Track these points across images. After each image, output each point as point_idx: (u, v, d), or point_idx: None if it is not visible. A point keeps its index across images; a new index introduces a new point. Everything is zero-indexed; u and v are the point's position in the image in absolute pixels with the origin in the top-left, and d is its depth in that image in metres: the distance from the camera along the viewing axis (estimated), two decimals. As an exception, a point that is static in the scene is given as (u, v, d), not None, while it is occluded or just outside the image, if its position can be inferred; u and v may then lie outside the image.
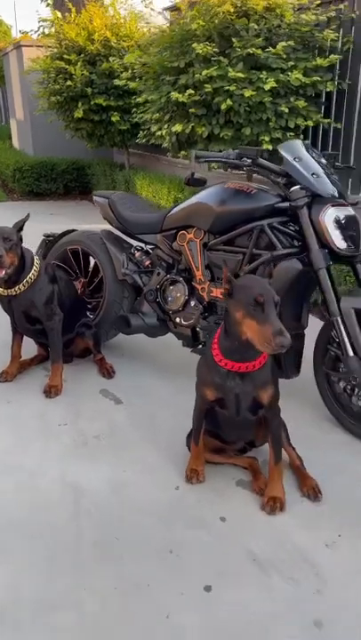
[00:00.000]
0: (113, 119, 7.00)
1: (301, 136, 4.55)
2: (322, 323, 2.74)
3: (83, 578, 1.85)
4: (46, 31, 8.30)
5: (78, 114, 6.99)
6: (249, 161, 2.61)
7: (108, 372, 3.18)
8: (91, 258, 3.52)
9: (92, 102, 6.97)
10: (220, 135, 4.32)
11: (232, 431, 2.26)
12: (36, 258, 2.91)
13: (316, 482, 2.27)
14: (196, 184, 2.74)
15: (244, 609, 1.74)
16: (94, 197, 3.43)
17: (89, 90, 6.90)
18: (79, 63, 6.86)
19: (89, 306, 3.53)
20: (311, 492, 2.23)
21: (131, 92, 6.83)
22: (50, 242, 3.63)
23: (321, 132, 4.84)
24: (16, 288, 2.83)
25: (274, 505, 2.14)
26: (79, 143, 8.66)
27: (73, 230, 3.61)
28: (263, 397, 2.07)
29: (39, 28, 8.53)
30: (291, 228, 2.67)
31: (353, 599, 1.78)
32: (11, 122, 11.62)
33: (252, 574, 1.87)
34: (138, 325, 3.17)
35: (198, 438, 2.28)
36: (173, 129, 4.42)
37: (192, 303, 2.97)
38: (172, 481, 2.33)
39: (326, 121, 4.53)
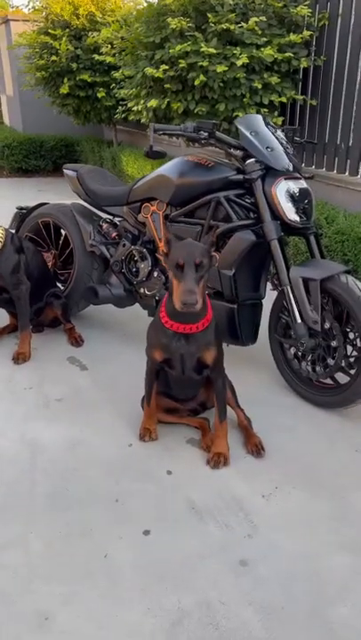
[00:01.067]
0: (99, 95, 7.02)
1: (276, 112, 4.60)
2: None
3: (31, 524, 1.99)
4: (36, 5, 8.28)
5: (64, 89, 7.02)
6: (206, 134, 2.70)
7: (76, 341, 3.30)
8: (62, 230, 3.61)
9: (77, 78, 6.99)
10: (196, 111, 4.38)
11: (181, 390, 2.38)
12: (0, 229, 3.00)
13: (261, 440, 2.40)
14: (156, 156, 2.82)
15: (178, 550, 1.88)
16: (64, 171, 3.51)
17: (74, 65, 6.91)
18: (64, 38, 6.86)
19: (61, 277, 3.64)
20: (255, 448, 2.37)
21: (116, 68, 6.85)
22: (23, 215, 3.72)
23: (298, 108, 4.90)
24: None
25: (218, 460, 2.28)
26: (68, 120, 8.68)
27: (45, 203, 3.70)
28: (207, 358, 2.19)
29: (29, 1, 8.50)
30: (246, 200, 2.76)
31: (279, 543, 1.92)
32: (0, 98, 11.60)
33: (190, 521, 2.01)
34: (105, 296, 3.28)
35: (150, 399, 2.40)
36: (149, 104, 4.48)
37: (155, 274, 3.07)
38: (126, 439, 2.46)
39: (301, 97, 4.58)
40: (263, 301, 2.89)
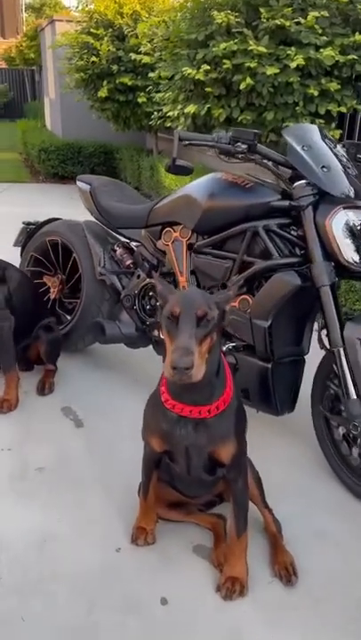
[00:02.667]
0: (139, 100, 6.53)
1: (334, 124, 3.98)
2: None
3: None
4: (83, 5, 7.90)
5: (102, 93, 6.56)
6: (244, 147, 2.12)
7: (43, 387, 2.74)
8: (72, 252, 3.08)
9: (117, 81, 6.52)
10: (240, 119, 3.80)
11: (187, 488, 1.79)
12: None
13: (293, 559, 1.79)
14: (180, 172, 2.26)
15: None
16: (77, 183, 2.99)
17: (115, 67, 6.45)
18: (106, 38, 6.41)
19: (68, 306, 3.10)
20: (284, 572, 1.75)
21: (155, 70, 6.36)
22: (30, 230, 3.22)
23: (360, 121, 4.25)
24: None
25: (232, 588, 1.67)
26: (109, 126, 8.23)
27: (57, 219, 3.18)
28: (222, 454, 1.59)
29: (78, 3, 8.13)
30: (292, 232, 2.16)
31: None
32: (45, 101, 11.30)
33: None
34: (113, 334, 2.73)
35: (147, 492, 1.82)
36: (187, 110, 3.93)
37: (172, 315, 2.49)
38: (114, 539, 1.88)
39: (364, 108, 3.94)
40: (306, 357, 2.28)
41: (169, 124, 4.71)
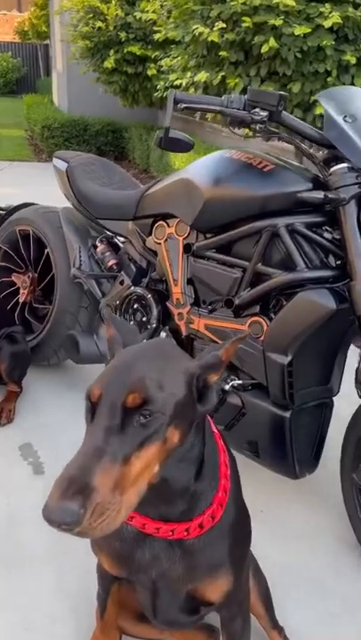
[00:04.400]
0: (149, 72, 5.91)
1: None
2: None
3: None
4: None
5: (109, 64, 5.94)
6: (264, 114, 1.53)
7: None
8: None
9: (125, 50, 5.89)
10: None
11: (159, 620, 1.21)
12: None
13: None
14: (173, 147, 1.67)
15: None
16: (53, 159, 2.40)
17: (123, 35, 5.81)
18: (113, 1, 5.77)
19: (38, 314, 2.54)
20: None
21: (176, 41, 5.72)
22: (1, 217, 2.65)
23: None
24: None
25: None
26: (118, 101, 7.61)
27: (30, 204, 2.61)
28: (208, 592, 1.01)
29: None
30: (326, 235, 1.57)
31: None
32: (52, 74, 10.66)
33: None
34: (89, 353, 2.17)
35: (104, 607, 1.26)
36: (197, 78, 3.31)
37: (163, 334, 1.92)
38: (59, 663, 1.34)
39: None
40: (334, 397, 1.72)
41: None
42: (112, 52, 5.92)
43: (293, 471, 1.67)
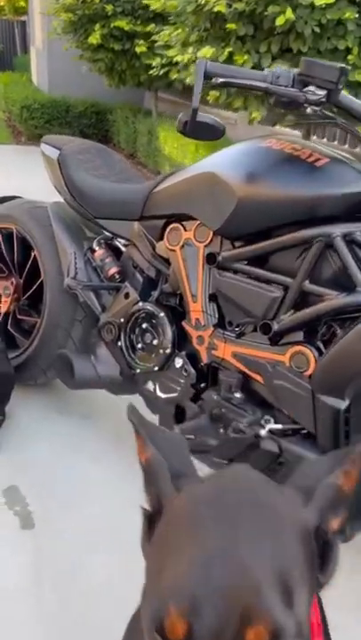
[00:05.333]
0: (138, 50, 5.49)
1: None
2: None
3: None
4: None
5: (94, 39, 5.51)
6: (321, 93, 1.19)
7: None
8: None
9: (112, 25, 5.46)
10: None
11: None
12: None
13: None
14: (202, 134, 1.34)
15: None
16: (42, 145, 2.03)
17: (109, 8, 5.38)
18: (99, -30, 5.33)
19: (23, 326, 2.19)
20: None
21: (167, 15, 5.31)
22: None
23: None
24: None
25: None
26: (103, 81, 7.16)
27: (13, 197, 2.24)
28: None
29: None
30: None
31: None
32: (31, 51, 10.10)
33: None
34: (86, 377, 1.83)
35: None
36: (200, 54, 2.94)
37: (178, 362, 1.59)
38: None
39: None
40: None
41: (175, 76, 3.71)
42: (98, 26, 5.48)
43: (345, 535, 1.37)
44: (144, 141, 6.37)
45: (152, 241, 1.70)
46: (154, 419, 1.78)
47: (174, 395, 1.59)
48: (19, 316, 2.15)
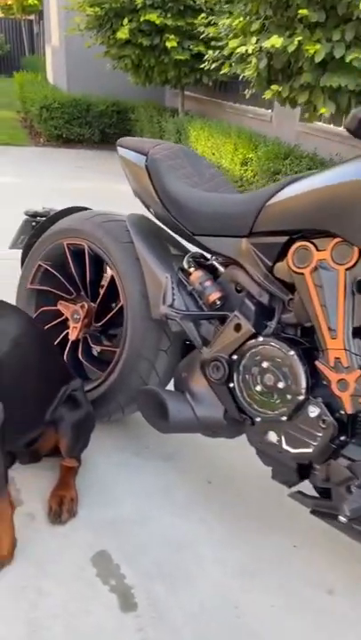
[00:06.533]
0: (168, 45, 5.22)
1: None
2: None
3: None
4: None
5: (123, 34, 5.23)
6: None
7: (57, 508, 1.57)
8: (106, 266, 1.89)
9: (141, 19, 5.18)
10: (349, 60, 2.55)
11: None
12: None
13: None
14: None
15: None
16: (120, 150, 1.76)
17: (139, 0, 5.10)
18: None
19: (98, 355, 1.92)
20: None
21: (196, 9, 5.04)
22: (38, 226, 2.01)
23: None
24: None
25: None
26: (123, 78, 6.90)
27: (82, 208, 1.98)
28: None
29: None
30: None
31: None
32: (46, 49, 9.83)
33: None
34: (183, 420, 1.56)
35: None
36: (267, 44, 2.66)
37: (313, 410, 1.31)
38: None
39: None
40: None
41: (227, 69, 3.41)
42: (126, 20, 5.20)
43: None
44: (172, 141, 6.10)
45: (266, 261, 1.43)
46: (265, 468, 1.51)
47: (307, 450, 1.31)
48: (91, 344, 1.88)
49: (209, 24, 4.82)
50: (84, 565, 1.45)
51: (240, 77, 3.30)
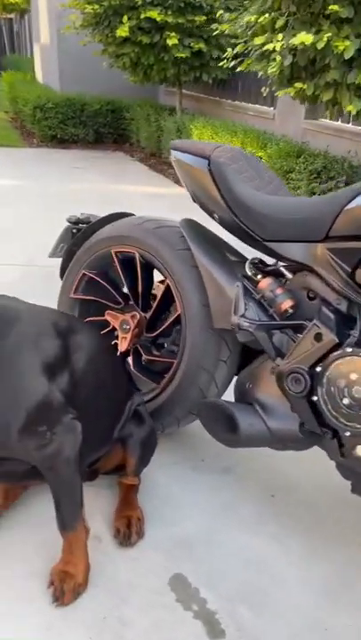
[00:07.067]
0: (169, 42, 5.14)
1: None
2: None
3: None
4: None
5: (122, 32, 5.13)
6: None
7: (126, 530, 1.50)
8: (157, 272, 1.81)
9: (142, 16, 5.09)
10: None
11: None
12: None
13: None
14: None
15: None
16: (175, 153, 1.69)
17: (140, -2, 5.02)
18: None
19: (149, 367, 1.85)
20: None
21: (197, 5, 4.98)
22: (80, 234, 1.93)
23: None
24: None
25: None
26: (117, 77, 6.80)
27: (126, 214, 1.91)
28: None
29: None
30: None
31: None
32: (34, 48, 9.66)
33: None
34: (253, 433, 1.50)
35: None
36: (295, 41, 2.60)
37: None
38: None
39: None
40: None
41: (245, 66, 3.34)
42: (125, 18, 5.11)
43: None
44: (173, 139, 6.02)
45: (345, 267, 1.37)
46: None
47: None
48: (144, 355, 1.81)
49: (212, 20, 4.76)
50: (162, 590, 1.39)
51: (259, 75, 3.24)
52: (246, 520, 1.62)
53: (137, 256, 1.76)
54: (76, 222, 1.95)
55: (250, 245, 1.54)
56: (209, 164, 1.55)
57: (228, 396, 1.69)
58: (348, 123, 4.44)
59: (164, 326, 1.75)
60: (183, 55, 5.30)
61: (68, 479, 1.26)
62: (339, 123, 4.57)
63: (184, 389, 1.68)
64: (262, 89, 3.39)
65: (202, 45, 5.36)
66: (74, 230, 1.96)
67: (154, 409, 1.74)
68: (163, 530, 1.56)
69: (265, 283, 1.51)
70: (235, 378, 1.69)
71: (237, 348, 1.68)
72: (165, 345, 1.88)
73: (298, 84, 2.84)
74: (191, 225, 1.70)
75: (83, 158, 6.77)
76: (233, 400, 1.61)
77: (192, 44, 5.26)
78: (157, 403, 1.73)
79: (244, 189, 1.50)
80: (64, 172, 5.95)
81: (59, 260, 2.01)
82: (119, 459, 1.55)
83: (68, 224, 1.97)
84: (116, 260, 1.81)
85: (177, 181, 5.85)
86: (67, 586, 1.32)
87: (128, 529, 1.50)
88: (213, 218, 1.59)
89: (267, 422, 1.51)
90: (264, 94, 3.39)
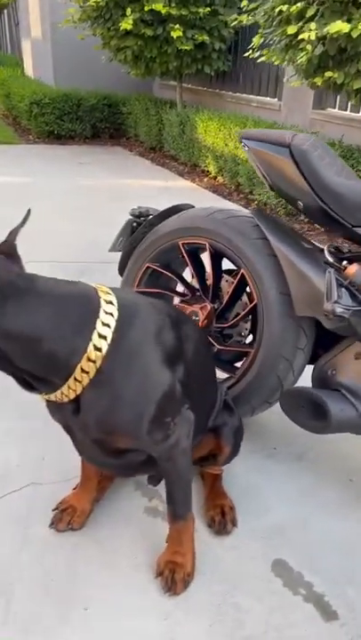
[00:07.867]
0: (173, 34, 5.12)
1: None
2: None
3: None
4: None
5: (126, 24, 5.09)
6: None
7: (220, 519, 1.51)
8: (231, 263, 1.81)
9: (145, 8, 5.06)
10: None
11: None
12: (105, 302, 1.14)
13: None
14: None
15: None
16: (249, 142, 1.68)
17: (142, -10, 4.99)
18: None
19: (222, 358, 1.85)
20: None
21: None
22: (140, 228, 1.92)
23: None
24: (64, 390, 1.11)
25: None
26: (115, 71, 6.76)
27: (187, 206, 1.90)
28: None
29: None
30: None
31: None
32: (23, 43, 9.53)
33: None
34: (344, 419, 1.52)
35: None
36: (330, 29, 2.61)
37: None
38: None
39: None
40: None
41: (273, 59, 3.33)
42: (129, 10, 5.07)
43: None
44: (174, 133, 6.00)
45: None
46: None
47: None
48: (217, 345, 1.81)
49: (215, 12, 4.72)
50: (268, 576, 1.40)
51: (282, 65, 3.24)
52: (331, 506, 1.64)
53: (208, 247, 1.76)
54: (138, 215, 1.94)
55: (334, 232, 1.55)
56: (291, 152, 1.55)
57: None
58: (359, 112, 4.47)
59: (239, 316, 1.76)
60: (187, 48, 5.28)
61: (183, 469, 1.26)
62: (348, 112, 4.60)
63: (263, 378, 1.69)
64: (285, 79, 3.39)
65: (205, 37, 5.35)
66: (134, 224, 1.96)
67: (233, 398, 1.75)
68: (250, 518, 1.57)
69: (353, 269, 1.52)
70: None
71: (313, 335, 1.70)
72: (233, 336, 1.89)
73: (328, 73, 2.85)
74: (263, 214, 1.70)
75: (84, 154, 6.71)
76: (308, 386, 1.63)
77: (195, 35, 5.24)
78: (234, 392, 1.74)
79: (331, 176, 1.51)
80: (69, 168, 5.90)
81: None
82: (209, 448, 1.55)
83: (130, 217, 1.96)
84: (183, 251, 1.81)
85: (181, 174, 5.84)
86: (177, 575, 1.33)
87: (223, 517, 1.51)
88: (297, 206, 1.60)
89: (358, 407, 1.52)
90: (291, 84, 3.39)
